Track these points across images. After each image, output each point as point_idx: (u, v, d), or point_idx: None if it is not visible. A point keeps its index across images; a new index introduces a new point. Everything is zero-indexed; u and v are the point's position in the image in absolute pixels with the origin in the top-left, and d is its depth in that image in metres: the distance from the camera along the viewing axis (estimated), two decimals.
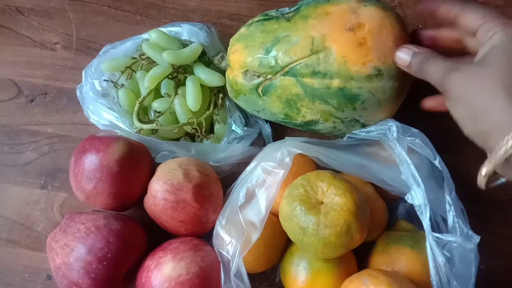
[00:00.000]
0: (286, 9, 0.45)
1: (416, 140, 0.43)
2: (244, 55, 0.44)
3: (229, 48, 0.46)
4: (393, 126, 0.43)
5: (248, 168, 0.45)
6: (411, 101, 0.48)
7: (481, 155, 0.53)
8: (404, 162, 0.42)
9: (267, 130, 0.51)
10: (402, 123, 0.44)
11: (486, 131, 0.33)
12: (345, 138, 0.45)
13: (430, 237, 0.40)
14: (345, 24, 0.40)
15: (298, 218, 0.39)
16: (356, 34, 0.39)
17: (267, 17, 0.45)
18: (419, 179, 0.41)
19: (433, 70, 0.37)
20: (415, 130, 0.44)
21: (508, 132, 0.31)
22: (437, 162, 0.43)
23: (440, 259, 0.39)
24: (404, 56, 0.39)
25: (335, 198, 0.39)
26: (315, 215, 0.38)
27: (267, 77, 0.43)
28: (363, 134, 0.44)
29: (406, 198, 0.42)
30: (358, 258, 0.45)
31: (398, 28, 0.40)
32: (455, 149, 0.53)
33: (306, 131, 0.48)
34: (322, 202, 0.39)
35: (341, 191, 0.39)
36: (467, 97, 0.34)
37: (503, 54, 0.33)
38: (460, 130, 0.53)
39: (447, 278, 0.39)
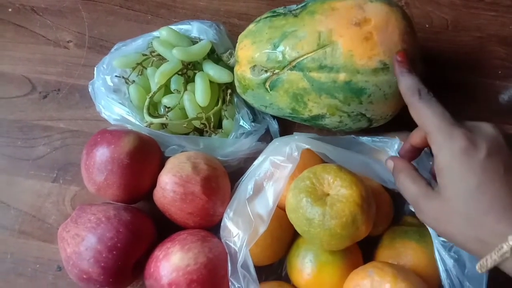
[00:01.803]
0: (294, 6, 0.46)
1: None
2: (252, 51, 0.45)
3: (237, 44, 0.47)
4: (396, 144, 0.44)
5: (256, 161, 0.46)
6: None
7: None
8: None
9: (274, 126, 0.52)
10: (409, 127, 0.43)
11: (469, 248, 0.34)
12: (348, 137, 0.46)
13: (436, 242, 0.40)
14: (352, 19, 0.40)
15: (304, 210, 0.39)
16: (362, 28, 0.40)
17: (275, 14, 0.46)
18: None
19: (405, 189, 0.37)
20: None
21: None
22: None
23: (449, 262, 0.40)
24: (389, 163, 0.40)
25: (341, 190, 0.39)
26: (321, 206, 0.39)
27: (274, 72, 0.44)
28: (366, 141, 0.46)
29: None
30: (364, 252, 0.45)
31: (403, 23, 0.41)
32: None
33: (313, 126, 0.49)
34: (328, 194, 0.40)
35: (347, 183, 0.39)
36: (439, 229, 0.35)
37: (453, 184, 0.33)
38: None
39: (459, 280, 0.40)
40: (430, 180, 0.37)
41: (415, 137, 0.40)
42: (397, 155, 0.43)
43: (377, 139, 0.45)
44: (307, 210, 0.39)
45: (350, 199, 0.38)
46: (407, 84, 0.38)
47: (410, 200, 0.37)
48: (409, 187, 0.36)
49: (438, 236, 0.39)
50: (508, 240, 0.30)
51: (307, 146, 0.43)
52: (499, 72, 0.57)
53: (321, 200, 0.39)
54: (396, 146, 0.44)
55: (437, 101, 0.36)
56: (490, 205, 0.31)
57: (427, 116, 0.35)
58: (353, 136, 0.45)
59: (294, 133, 0.46)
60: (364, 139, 0.45)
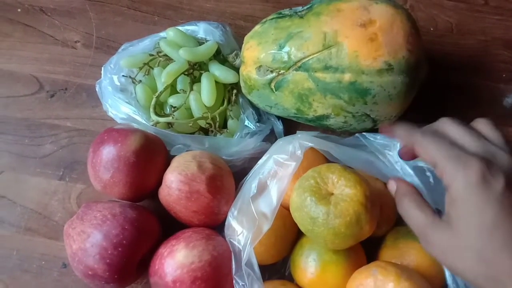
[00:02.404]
0: (300, 8, 0.46)
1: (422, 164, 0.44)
2: (258, 51, 0.45)
3: (243, 45, 0.48)
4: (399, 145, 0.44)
5: (261, 160, 0.46)
6: (422, 100, 0.49)
7: None
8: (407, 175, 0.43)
9: (279, 127, 0.52)
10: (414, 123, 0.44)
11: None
12: (353, 136, 0.46)
13: None
14: (357, 20, 0.41)
15: (309, 209, 0.40)
16: (368, 30, 0.41)
17: (281, 15, 0.46)
18: (424, 190, 0.42)
19: (410, 216, 0.35)
20: None
21: None
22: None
23: None
24: (391, 185, 0.39)
25: (345, 189, 0.39)
26: (325, 205, 0.39)
27: (280, 72, 0.44)
28: (372, 138, 0.46)
29: None
30: (367, 253, 0.46)
31: (408, 25, 0.42)
32: None
33: (318, 126, 0.49)
34: (332, 193, 0.40)
35: (351, 183, 0.39)
36: (447, 262, 0.33)
37: (467, 217, 0.31)
38: None
39: (464, 283, 0.40)
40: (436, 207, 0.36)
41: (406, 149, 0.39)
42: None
43: (381, 137, 0.45)
44: (311, 209, 0.39)
45: (354, 198, 0.39)
46: (404, 129, 0.38)
47: (416, 228, 0.34)
48: (415, 215, 0.34)
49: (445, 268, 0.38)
50: None
51: (310, 145, 0.43)
52: (503, 75, 0.57)
53: (325, 199, 0.39)
54: (399, 146, 0.44)
55: (442, 133, 0.35)
56: (505, 241, 0.30)
57: (435, 148, 0.34)
58: (358, 134, 0.45)
59: (298, 131, 0.46)
60: (368, 135, 0.45)
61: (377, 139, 0.45)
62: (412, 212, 0.35)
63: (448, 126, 0.36)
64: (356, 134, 0.46)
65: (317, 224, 0.39)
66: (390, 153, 0.44)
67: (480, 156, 0.32)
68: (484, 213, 0.30)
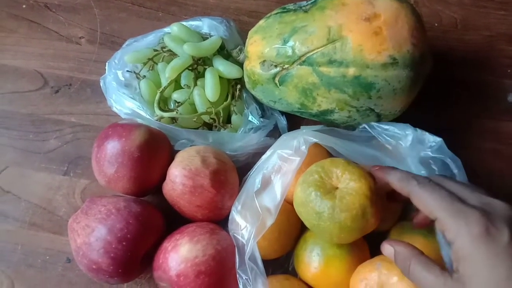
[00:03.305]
0: (304, 2, 0.46)
1: (430, 153, 0.43)
2: (262, 46, 0.45)
3: (247, 39, 0.48)
4: (410, 136, 0.44)
5: (264, 155, 0.46)
6: (426, 95, 0.49)
7: (496, 151, 0.53)
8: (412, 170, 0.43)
9: (283, 122, 0.52)
10: (417, 124, 0.44)
11: None
12: (361, 127, 0.45)
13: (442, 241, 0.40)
14: (361, 14, 0.41)
15: (314, 203, 0.40)
16: (372, 24, 0.40)
17: (285, 10, 0.46)
18: None
19: (421, 280, 0.33)
20: (435, 139, 0.43)
21: None
22: (455, 169, 0.42)
23: None
24: (387, 250, 0.37)
25: (350, 183, 0.39)
26: (330, 199, 0.39)
27: (284, 67, 0.44)
28: (380, 129, 0.45)
29: None
30: (372, 248, 0.45)
31: (413, 19, 0.41)
32: (468, 145, 0.54)
33: (322, 121, 0.49)
34: (337, 188, 0.40)
35: (356, 176, 0.39)
36: None
37: (479, 274, 0.30)
38: (473, 125, 0.54)
39: None
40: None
41: (398, 188, 0.37)
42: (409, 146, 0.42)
43: (391, 128, 0.44)
44: (317, 203, 0.39)
45: (360, 191, 0.38)
46: (398, 177, 0.37)
47: None
48: (426, 278, 0.33)
49: None
50: None
51: (315, 140, 0.43)
52: (508, 70, 0.57)
53: (330, 194, 0.39)
54: (410, 137, 0.43)
55: (438, 184, 0.35)
56: None
57: (433, 201, 0.33)
58: (365, 125, 0.45)
59: (302, 126, 0.46)
60: (376, 125, 0.45)
61: (386, 130, 0.44)
62: (422, 276, 0.33)
63: (444, 179, 0.36)
64: (364, 125, 0.45)
65: (323, 219, 0.39)
66: (401, 142, 0.44)
67: (480, 209, 0.32)
68: (496, 268, 0.30)
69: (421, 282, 0.33)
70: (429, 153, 0.42)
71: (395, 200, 0.41)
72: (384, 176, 0.38)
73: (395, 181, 0.37)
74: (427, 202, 0.34)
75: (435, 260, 0.34)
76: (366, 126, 0.45)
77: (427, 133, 0.43)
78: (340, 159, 0.41)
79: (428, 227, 0.40)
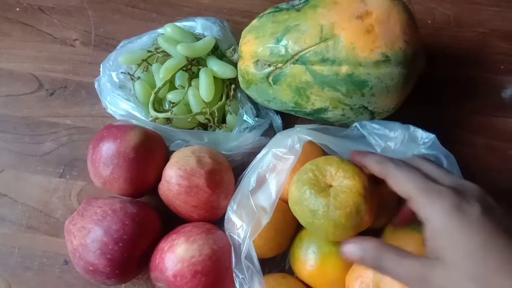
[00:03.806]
0: (297, 1, 0.47)
1: (423, 150, 0.43)
2: (255, 45, 0.45)
3: (241, 39, 0.48)
4: (399, 137, 0.44)
5: (259, 155, 0.46)
6: (420, 92, 0.50)
7: (490, 147, 0.54)
8: None
9: (278, 121, 0.52)
10: (411, 121, 0.44)
11: None
12: (352, 126, 0.46)
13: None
14: (353, 12, 0.41)
15: (308, 202, 0.40)
16: (364, 21, 0.41)
17: (278, 9, 0.46)
18: None
19: (400, 271, 0.33)
20: (429, 136, 0.43)
21: None
22: (448, 165, 0.43)
23: None
24: (349, 252, 0.36)
25: (344, 181, 0.39)
26: (324, 197, 0.39)
27: (277, 66, 0.44)
28: (370, 128, 0.45)
29: None
30: None
31: (405, 16, 0.42)
32: (462, 141, 0.54)
33: (316, 120, 0.49)
34: (331, 185, 0.40)
35: (350, 174, 0.39)
36: None
37: (455, 246, 0.31)
38: (467, 121, 0.55)
39: None
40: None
41: (375, 171, 0.38)
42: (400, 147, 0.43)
43: (379, 126, 0.45)
44: (311, 201, 0.39)
45: (354, 189, 0.39)
46: (375, 160, 0.38)
47: (413, 278, 0.32)
48: (402, 267, 0.33)
49: None
50: None
51: (309, 138, 0.43)
52: (501, 67, 0.57)
53: (324, 192, 0.39)
54: (400, 137, 0.43)
55: (413, 166, 0.36)
56: (499, 263, 0.29)
57: (408, 180, 0.34)
58: (357, 124, 0.45)
59: (296, 125, 0.46)
60: (367, 123, 0.45)
61: (376, 129, 0.45)
62: (396, 267, 0.33)
63: (420, 161, 0.37)
64: (355, 124, 0.45)
65: (317, 217, 0.39)
66: (389, 143, 0.44)
67: (452, 187, 0.33)
68: (469, 238, 0.31)
69: (398, 272, 0.33)
70: (423, 150, 0.42)
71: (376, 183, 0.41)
72: (362, 159, 0.39)
73: (372, 164, 0.38)
74: (402, 182, 0.35)
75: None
76: (358, 126, 0.45)
77: (420, 130, 0.43)
78: (334, 157, 0.42)
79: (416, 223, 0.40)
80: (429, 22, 0.60)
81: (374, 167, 0.38)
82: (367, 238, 0.36)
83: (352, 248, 0.36)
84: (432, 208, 0.32)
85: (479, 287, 0.29)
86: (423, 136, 0.43)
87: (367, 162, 0.39)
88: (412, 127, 0.44)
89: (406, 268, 0.33)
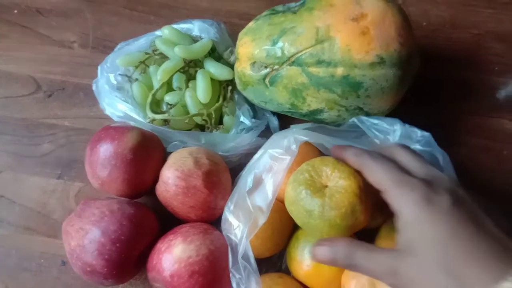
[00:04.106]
0: (293, 4, 0.47)
1: (419, 146, 0.44)
2: (252, 47, 0.46)
3: (237, 41, 0.48)
4: (398, 131, 0.44)
5: (256, 155, 0.46)
6: (415, 94, 0.50)
7: (483, 146, 0.54)
8: None
9: (275, 122, 0.53)
10: (407, 122, 0.45)
11: None
12: (350, 121, 0.46)
13: None
14: (349, 15, 0.41)
15: (304, 202, 0.40)
16: (359, 23, 0.41)
17: (274, 12, 0.47)
18: None
19: (371, 265, 0.34)
20: (423, 134, 0.44)
21: None
22: (442, 163, 0.43)
23: None
24: (320, 254, 0.36)
25: (339, 181, 0.40)
26: (320, 198, 0.39)
27: (274, 68, 0.45)
28: (369, 123, 0.45)
29: None
30: None
31: (399, 18, 0.42)
32: (457, 142, 0.54)
33: (312, 121, 0.49)
34: (326, 186, 0.40)
35: (345, 174, 0.40)
36: None
37: (423, 236, 0.32)
38: (462, 122, 0.55)
39: None
40: None
41: (352, 164, 0.39)
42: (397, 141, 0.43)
43: (380, 122, 0.45)
44: (307, 202, 0.40)
45: (349, 189, 0.39)
46: (352, 152, 0.38)
47: (384, 271, 0.33)
48: (375, 259, 0.33)
49: None
50: None
51: (305, 139, 0.43)
52: (496, 68, 0.58)
53: (320, 192, 0.40)
54: (398, 132, 0.44)
55: (389, 158, 0.36)
56: (468, 253, 0.30)
57: (382, 172, 0.35)
58: (354, 118, 0.45)
59: (291, 125, 0.46)
60: (364, 119, 0.45)
61: (375, 124, 0.45)
62: (369, 263, 0.34)
63: (397, 151, 0.38)
64: (353, 118, 0.45)
65: (313, 217, 0.39)
66: (389, 137, 0.44)
67: (423, 179, 0.34)
68: (438, 228, 0.31)
69: (369, 268, 0.34)
70: (418, 146, 0.43)
71: None
72: (341, 153, 0.40)
73: (349, 157, 0.39)
74: (376, 174, 0.35)
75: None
76: (356, 120, 0.45)
77: (415, 128, 0.44)
78: (330, 158, 0.42)
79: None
80: (424, 24, 0.60)
81: (351, 159, 0.39)
82: (337, 238, 0.37)
83: (322, 251, 0.36)
84: (403, 200, 0.33)
85: (448, 276, 0.30)
86: (418, 134, 0.44)
87: (345, 155, 0.39)
88: (408, 125, 0.44)
89: (377, 262, 0.33)
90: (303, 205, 0.40)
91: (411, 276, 0.31)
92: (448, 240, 0.31)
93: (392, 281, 0.33)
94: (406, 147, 0.38)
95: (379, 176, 0.35)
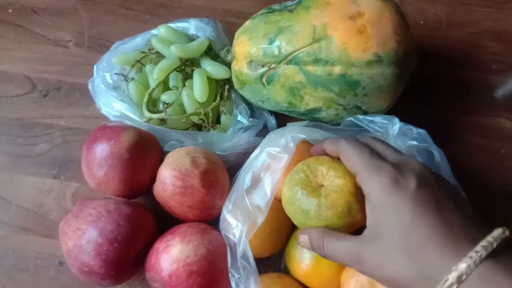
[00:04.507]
0: (289, 3, 0.47)
1: (415, 142, 0.44)
2: (249, 46, 0.45)
3: (234, 40, 0.48)
4: (396, 124, 0.44)
5: (253, 154, 0.46)
6: (412, 92, 0.50)
7: (481, 145, 0.54)
8: None
9: (272, 121, 0.52)
10: (404, 121, 0.45)
11: None
12: (347, 120, 0.46)
13: None
14: (346, 13, 0.41)
15: (300, 202, 0.40)
16: (356, 22, 0.41)
17: (271, 10, 0.46)
18: None
19: (337, 250, 0.35)
20: (419, 131, 0.44)
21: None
22: (439, 159, 0.43)
23: None
24: (303, 239, 0.38)
25: (335, 180, 0.40)
26: (316, 197, 0.39)
27: (271, 67, 0.44)
28: (366, 122, 0.45)
29: None
30: None
31: (396, 16, 0.42)
32: (455, 141, 0.54)
33: (310, 120, 0.49)
34: (322, 185, 0.40)
35: (341, 173, 0.40)
36: (382, 274, 0.33)
37: (387, 220, 0.33)
38: (460, 121, 0.55)
39: None
40: None
41: (332, 152, 0.40)
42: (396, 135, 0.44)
43: (377, 119, 0.45)
44: (303, 202, 0.40)
45: (345, 188, 0.39)
46: (330, 141, 0.39)
47: (350, 258, 0.34)
48: (341, 247, 0.35)
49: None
50: (452, 272, 0.28)
51: (302, 136, 0.43)
52: (493, 66, 0.58)
53: (316, 192, 0.40)
54: (397, 126, 0.44)
55: (364, 144, 0.37)
56: (427, 236, 0.31)
57: (356, 156, 0.36)
58: (352, 118, 0.45)
59: (288, 123, 0.46)
60: (361, 117, 0.45)
61: (372, 122, 0.45)
62: (336, 248, 0.35)
63: (370, 139, 0.39)
64: (350, 118, 0.45)
65: (310, 217, 0.39)
66: (389, 131, 0.44)
67: (394, 164, 0.34)
68: (401, 213, 0.32)
69: (336, 254, 0.35)
70: (414, 142, 0.43)
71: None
72: (321, 146, 0.41)
73: (327, 145, 0.40)
74: (351, 157, 0.36)
75: None
76: (353, 119, 0.45)
77: (411, 126, 0.44)
78: (325, 157, 0.42)
79: None
80: (421, 22, 0.60)
81: (329, 147, 0.39)
82: (313, 227, 0.38)
83: (301, 238, 0.38)
84: (372, 184, 0.34)
85: (408, 260, 0.31)
86: (414, 132, 0.44)
87: (324, 145, 0.40)
88: (403, 124, 0.44)
89: (343, 249, 0.34)
90: (300, 205, 0.40)
91: (375, 261, 0.32)
92: (410, 224, 0.31)
93: (359, 268, 0.34)
94: (380, 139, 0.40)
95: (353, 160, 0.36)
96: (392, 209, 0.32)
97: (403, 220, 0.32)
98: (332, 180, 0.40)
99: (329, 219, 0.39)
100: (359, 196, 0.39)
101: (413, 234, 0.31)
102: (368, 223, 0.34)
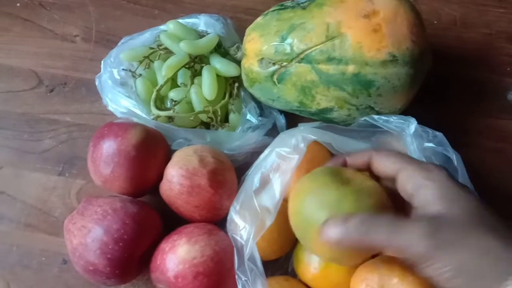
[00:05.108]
0: (302, 0, 0.46)
1: (432, 144, 0.43)
2: (260, 43, 0.45)
3: (245, 37, 0.47)
4: (413, 124, 0.43)
5: (263, 154, 0.45)
6: (426, 93, 0.49)
7: (496, 149, 0.53)
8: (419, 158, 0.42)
9: (282, 121, 0.52)
10: (417, 123, 0.44)
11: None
12: (361, 120, 0.45)
13: None
14: (360, 11, 0.40)
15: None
16: (371, 20, 0.40)
17: (283, 7, 0.46)
18: None
19: (406, 238, 0.30)
20: (435, 133, 0.43)
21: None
22: (455, 163, 0.42)
23: None
24: (334, 230, 0.32)
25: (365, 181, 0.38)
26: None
27: (282, 65, 0.44)
28: (381, 121, 0.44)
29: None
30: None
31: (412, 15, 0.41)
32: (471, 143, 0.53)
33: (321, 120, 0.48)
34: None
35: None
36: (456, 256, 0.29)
37: (456, 205, 0.32)
38: (472, 123, 0.54)
39: None
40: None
41: (359, 162, 0.38)
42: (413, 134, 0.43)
43: (392, 119, 0.44)
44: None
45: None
46: (356, 153, 0.38)
47: (425, 243, 0.29)
48: (405, 234, 0.30)
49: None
50: None
51: (313, 137, 0.42)
52: (508, 69, 0.57)
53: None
54: (413, 125, 0.43)
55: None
56: (494, 225, 0.30)
57: (394, 155, 0.35)
58: (366, 118, 0.44)
59: (299, 124, 0.45)
60: (377, 118, 0.44)
61: (387, 121, 0.44)
62: (403, 235, 0.30)
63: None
64: (365, 118, 0.44)
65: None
66: (406, 131, 0.43)
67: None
68: (469, 200, 0.32)
69: (395, 243, 0.30)
70: (431, 144, 0.42)
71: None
72: (346, 160, 0.39)
73: (355, 157, 0.38)
74: (390, 160, 0.35)
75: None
76: (368, 119, 0.44)
77: (427, 128, 0.43)
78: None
79: None
80: (435, 22, 0.59)
81: (358, 158, 0.38)
82: (351, 214, 0.32)
83: (329, 229, 0.32)
84: (429, 178, 0.33)
85: (495, 234, 0.29)
86: (430, 134, 0.43)
87: (351, 158, 0.39)
88: (419, 125, 0.43)
89: (415, 229, 0.30)
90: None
91: (451, 239, 0.29)
92: (477, 213, 0.31)
93: (436, 253, 0.29)
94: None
95: (392, 160, 0.35)
96: (461, 196, 0.32)
97: (472, 207, 0.31)
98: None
99: None
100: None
101: (482, 222, 0.31)
102: (429, 209, 0.32)
